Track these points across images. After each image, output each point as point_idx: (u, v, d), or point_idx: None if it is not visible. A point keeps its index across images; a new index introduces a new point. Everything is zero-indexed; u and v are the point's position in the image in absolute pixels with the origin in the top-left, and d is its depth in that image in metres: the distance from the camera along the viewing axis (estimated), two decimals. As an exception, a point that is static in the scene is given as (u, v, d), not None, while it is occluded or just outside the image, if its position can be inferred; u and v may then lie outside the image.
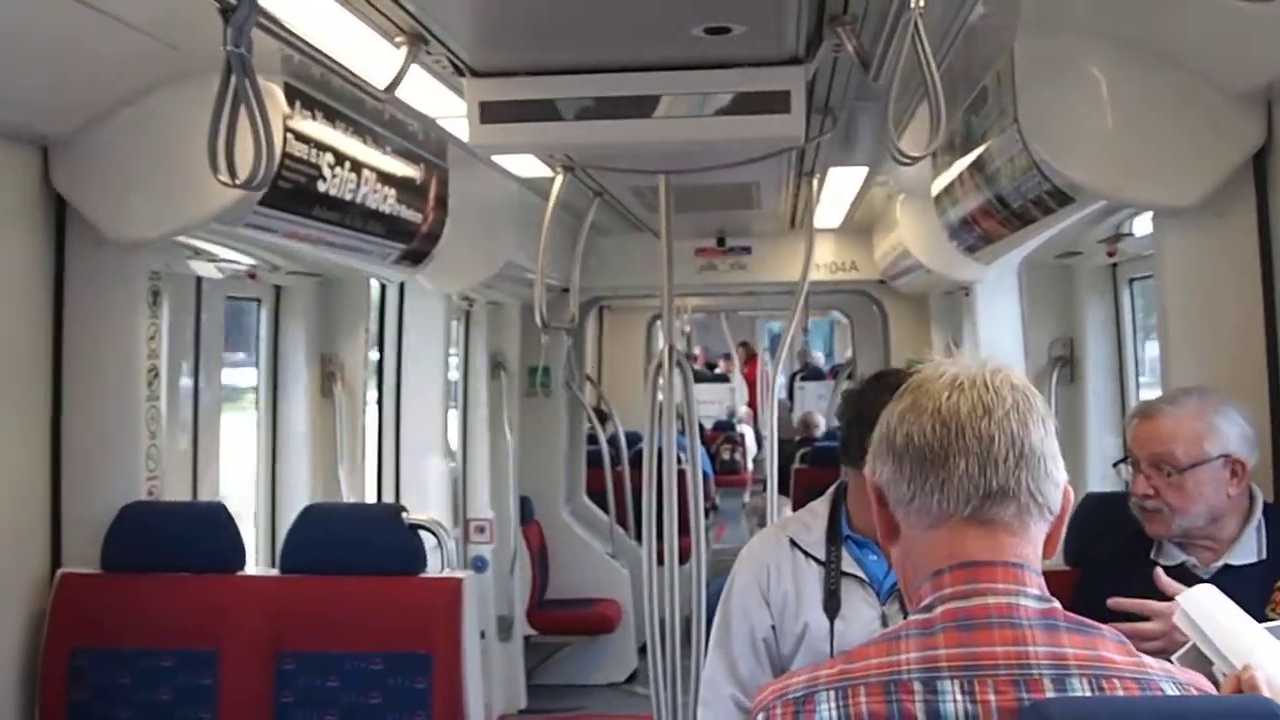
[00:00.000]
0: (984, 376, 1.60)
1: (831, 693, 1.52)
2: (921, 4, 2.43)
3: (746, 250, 7.92)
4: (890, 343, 8.31)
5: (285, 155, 3.45)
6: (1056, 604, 1.55)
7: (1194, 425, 2.76)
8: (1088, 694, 1.48)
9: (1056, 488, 1.58)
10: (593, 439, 8.86)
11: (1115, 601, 2.53)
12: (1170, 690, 1.51)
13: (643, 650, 4.15)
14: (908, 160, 2.66)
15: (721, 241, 7.87)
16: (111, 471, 3.59)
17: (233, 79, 2.29)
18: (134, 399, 3.62)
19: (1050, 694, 1.47)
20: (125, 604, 3.44)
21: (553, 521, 8.34)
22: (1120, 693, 1.48)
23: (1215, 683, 1.98)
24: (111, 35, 2.95)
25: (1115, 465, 2.99)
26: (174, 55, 3.14)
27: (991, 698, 1.47)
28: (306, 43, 2.82)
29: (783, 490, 7.72)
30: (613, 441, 8.38)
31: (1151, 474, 2.77)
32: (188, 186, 3.24)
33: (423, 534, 3.60)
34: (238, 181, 2.32)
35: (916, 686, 1.48)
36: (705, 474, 10.80)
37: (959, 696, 1.47)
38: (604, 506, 8.49)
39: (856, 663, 1.54)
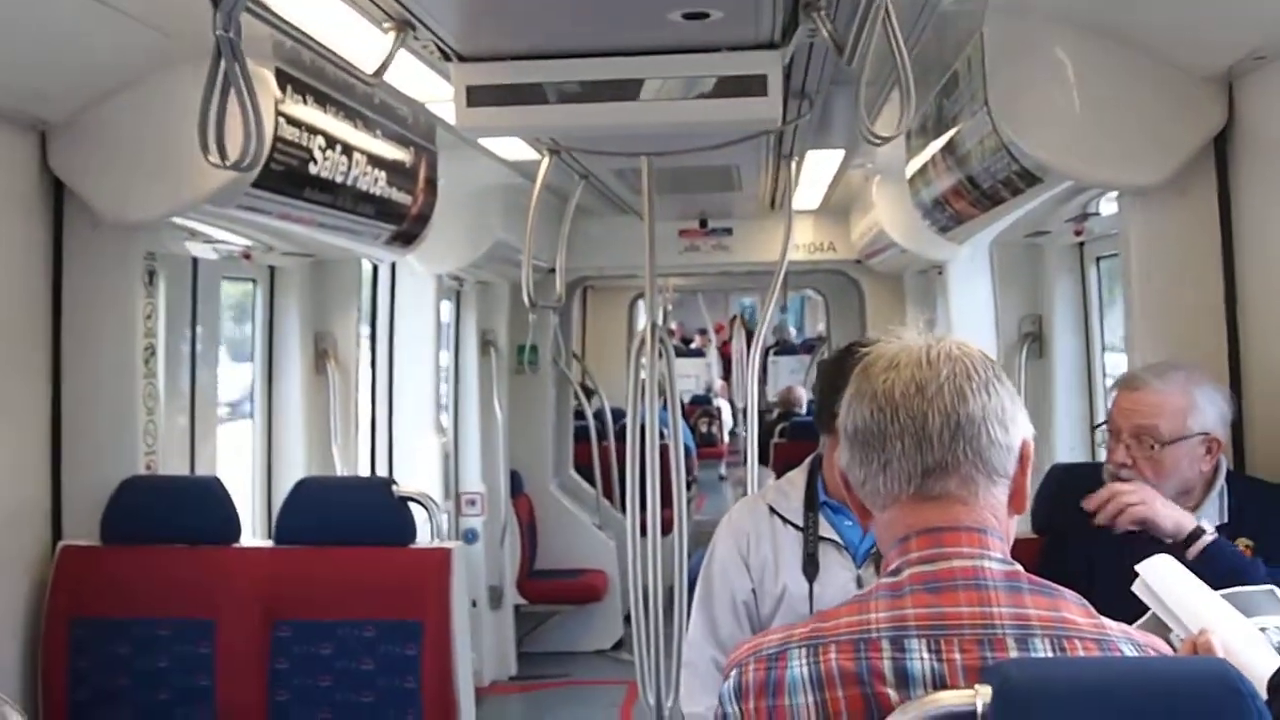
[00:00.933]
0: (921, 353, 1.62)
1: (803, 649, 1.56)
2: (895, -11, 2.52)
3: (728, 232, 8.03)
4: (867, 320, 8.43)
5: (277, 138, 3.52)
6: (1019, 567, 1.60)
7: (1179, 401, 2.83)
8: (1050, 653, 1.51)
9: (1007, 451, 1.60)
10: (579, 414, 8.98)
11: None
12: (1129, 651, 1.54)
13: (628, 618, 4.26)
14: (879, 141, 2.75)
15: (704, 223, 7.98)
16: (110, 447, 3.69)
17: (222, 63, 2.35)
18: (131, 376, 3.71)
19: (1014, 653, 1.50)
20: (124, 575, 3.53)
21: (542, 494, 8.49)
22: (1080, 653, 1.51)
23: (1173, 648, 2.08)
24: (107, 22, 3.02)
25: (1094, 428, 3.05)
26: (168, 41, 3.21)
27: (957, 656, 1.50)
28: (296, 28, 2.88)
29: (763, 462, 7.86)
30: (599, 416, 8.50)
31: (1132, 444, 2.82)
32: (182, 169, 3.32)
33: (413, 506, 3.71)
34: (228, 163, 2.39)
35: (885, 645, 1.52)
36: (688, 447, 10.92)
37: (925, 655, 1.51)
38: (591, 480, 8.63)
39: (828, 622, 1.58)
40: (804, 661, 1.55)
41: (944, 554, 1.58)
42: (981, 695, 1.45)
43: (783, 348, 14.83)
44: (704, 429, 14.16)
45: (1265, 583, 2.55)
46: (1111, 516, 2.70)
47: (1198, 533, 2.66)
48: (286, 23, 2.81)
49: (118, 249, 3.67)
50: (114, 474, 3.63)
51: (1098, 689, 1.45)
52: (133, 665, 3.49)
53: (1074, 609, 1.56)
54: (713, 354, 16.98)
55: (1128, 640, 1.56)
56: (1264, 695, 1.70)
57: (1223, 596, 2.21)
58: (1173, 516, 2.69)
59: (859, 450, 1.64)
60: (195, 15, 2.46)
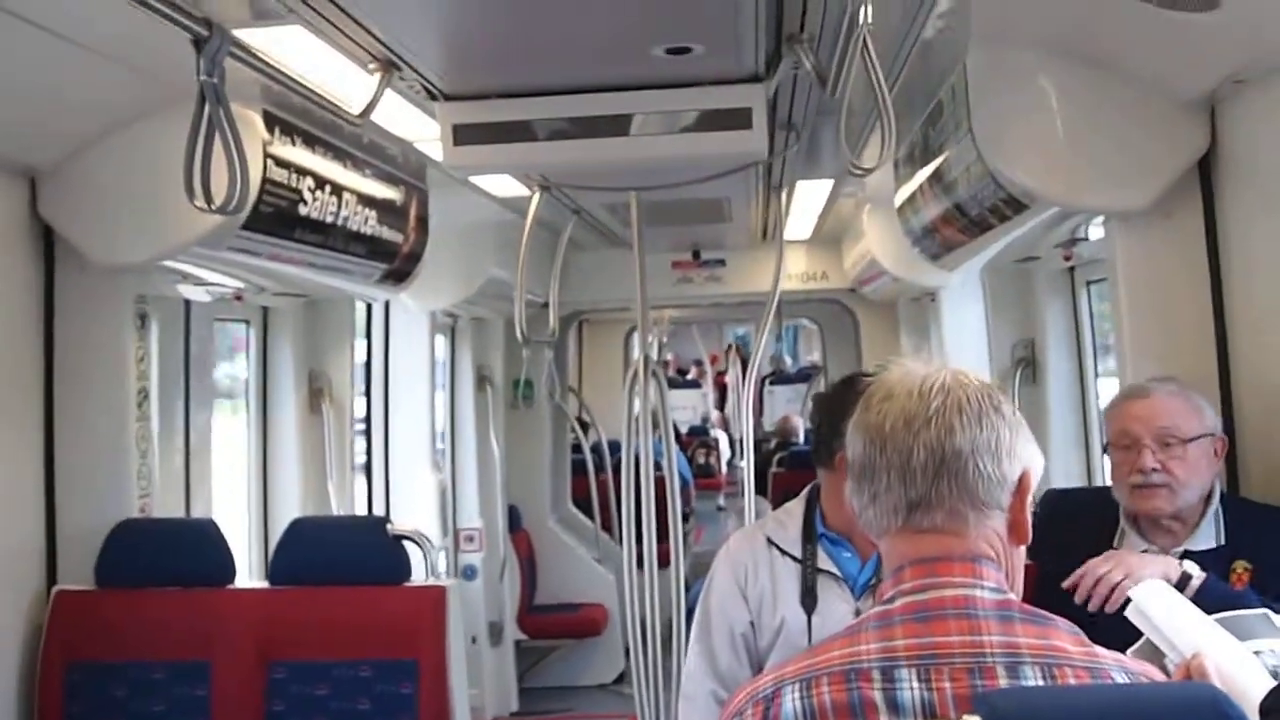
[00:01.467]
0: (915, 384, 1.62)
1: (796, 685, 1.56)
2: (870, 22, 2.53)
3: (721, 263, 8.06)
4: (862, 348, 8.44)
5: (266, 180, 3.55)
6: (1012, 596, 1.60)
7: (1185, 403, 2.87)
8: (1040, 682, 1.50)
9: (1000, 483, 1.59)
10: (577, 448, 8.98)
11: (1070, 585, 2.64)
12: (1121, 679, 1.53)
13: (629, 652, 4.25)
14: (861, 172, 2.77)
15: (697, 255, 8.02)
16: (103, 490, 3.69)
17: (206, 108, 2.37)
18: (124, 419, 3.72)
19: (1003, 682, 1.50)
20: (119, 619, 3.53)
21: (540, 529, 8.49)
22: (1072, 681, 1.51)
23: (1167, 674, 2.07)
24: (94, 69, 3.06)
25: (1105, 450, 3.05)
26: (155, 86, 3.23)
27: (947, 685, 1.50)
28: (280, 71, 2.91)
29: (761, 492, 7.85)
30: (596, 450, 8.48)
31: (1156, 449, 2.82)
32: (171, 212, 3.33)
33: (408, 545, 3.70)
34: (214, 207, 2.41)
35: (876, 675, 1.52)
36: (685, 479, 10.90)
37: (916, 684, 1.51)
38: (589, 513, 8.61)
39: (820, 655, 1.58)
40: (797, 696, 1.55)
41: (936, 583, 1.58)
42: None
43: (778, 377, 14.85)
44: (701, 460, 14.16)
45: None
46: (1103, 599, 2.67)
47: (1186, 578, 2.65)
48: (271, 66, 2.83)
49: (108, 293, 3.69)
50: (108, 517, 3.64)
51: (1085, 717, 1.45)
52: (128, 709, 3.49)
53: (1065, 637, 1.56)
54: (708, 385, 17.00)
55: (1120, 669, 1.55)
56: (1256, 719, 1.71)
57: (1217, 621, 2.21)
58: (1159, 571, 2.67)
59: (855, 480, 1.66)
60: (181, 61, 2.48)
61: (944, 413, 1.59)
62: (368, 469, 6.04)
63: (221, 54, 2.41)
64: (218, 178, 2.49)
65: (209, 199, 2.44)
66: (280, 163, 3.65)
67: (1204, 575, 2.66)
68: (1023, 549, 1.67)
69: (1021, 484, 1.62)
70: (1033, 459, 1.65)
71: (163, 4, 2.25)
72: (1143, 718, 1.46)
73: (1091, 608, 2.64)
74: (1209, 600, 2.57)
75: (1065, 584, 2.70)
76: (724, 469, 14.74)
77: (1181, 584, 2.63)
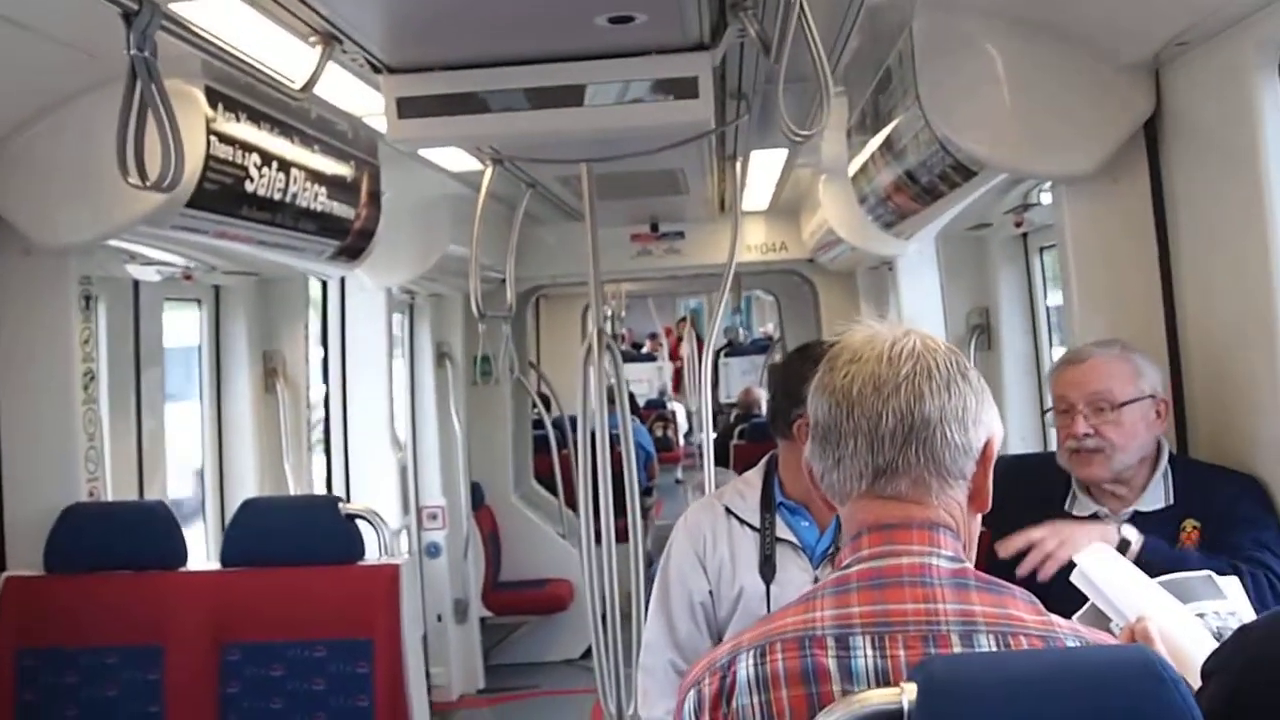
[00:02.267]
0: (885, 348, 1.60)
1: (751, 652, 1.56)
2: (808, -13, 2.52)
3: (680, 235, 8.05)
4: (821, 318, 8.45)
5: (210, 157, 3.50)
6: (969, 564, 1.59)
7: (1124, 366, 2.89)
8: (994, 649, 1.50)
9: (965, 451, 1.59)
10: (539, 424, 8.97)
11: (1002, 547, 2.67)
12: (1074, 646, 1.53)
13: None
14: (800, 138, 2.75)
15: (655, 227, 8.01)
16: (50, 475, 3.64)
17: (139, 84, 2.33)
18: (70, 402, 3.66)
19: (958, 650, 1.50)
20: (70, 604, 3.50)
21: (503, 505, 8.47)
22: (1025, 648, 1.51)
23: (1114, 636, 2.09)
24: (30, 46, 3.00)
25: (1045, 413, 3.07)
26: (93, 63, 3.17)
27: (901, 653, 1.50)
28: (218, 45, 2.86)
29: (723, 464, 7.86)
30: (558, 425, 8.47)
31: (1089, 414, 2.85)
32: (112, 191, 3.24)
33: (363, 524, 3.68)
34: (148, 184, 2.37)
35: (830, 642, 1.52)
36: (648, 453, 10.91)
37: (870, 652, 1.51)
38: (552, 489, 8.60)
39: (775, 622, 1.58)
40: (751, 663, 1.55)
41: (893, 550, 1.58)
42: (907, 693, 1.44)
43: (733, 349, 14.89)
44: (659, 433, 14.18)
45: (1221, 572, 2.58)
46: (1035, 566, 2.69)
47: (1125, 543, 2.68)
48: (207, 40, 2.78)
49: (51, 274, 3.64)
50: (56, 502, 3.60)
51: (1021, 682, 1.45)
52: (81, 695, 3.45)
53: (1021, 606, 1.56)
54: (664, 358, 17.01)
55: (1074, 636, 1.56)
56: (1198, 681, 1.72)
57: (1160, 584, 2.22)
58: (1096, 538, 2.69)
59: (818, 443, 1.63)
60: (120, 36, 2.43)
61: (913, 379, 1.57)
62: (326, 448, 6.01)
63: (152, 28, 2.37)
64: (153, 155, 2.45)
65: (143, 176, 2.39)
66: (224, 139, 3.60)
67: (1142, 539, 2.68)
68: (979, 516, 1.67)
69: (985, 452, 1.62)
70: (995, 426, 1.64)
71: (89, -23, 2.21)
72: (1078, 680, 1.46)
73: (1021, 572, 2.66)
74: (1150, 563, 2.60)
75: (1002, 553, 2.70)
76: (682, 442, 14.77)
77: (1121, 549, 2.66)
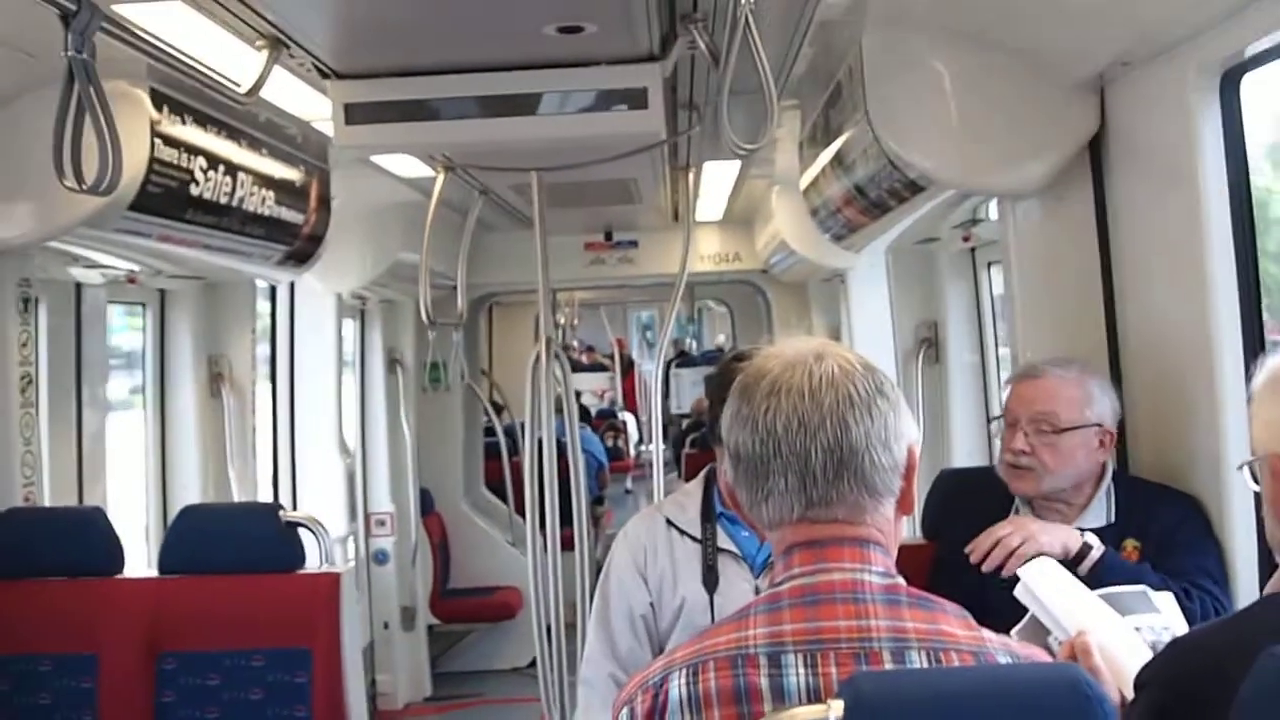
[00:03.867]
0: (803, 379, 1.59)
1: (684, 670, 1.55)
2: (753, 2, 2.53)
3: (633, 244, 8.06)
4: (774, 329, 8.48)
5: (154, 160, 3.46)
6: (900, 580, 1.60)
7: (1076, 391, 2.89)
8: (925, 665, 1.51)
9: (892, 469, 1.60)
10: (490, 431, 8.94)
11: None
12: (1005, 661, 1.55)
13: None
14: (743, 152, 2.76)
15: (609, 235, 8.01)
16: (-15, 479, 3.59)
17: (76, 85, 2.29)
18: (6, 406, 3.61)
19: (889, 666, 1.51)
20: (2, 610, 3.43)
21: (453, 512, 8.43)
22: (956, 664, 1.52)
23: (1052, 652, 2.10)
24: (-33, 46, 2.97)
25: (991, 420, 3.08)
26: (32, 63, 3.13)
27: (833, 670, 1.51)
28: (161, 48, 2.83)
29: (675, 473, 7.86)
30: (509, 433, 8.45)
31: (1030, 432, 2.86)
32: (52, 193, 3.17)
33: (304, 531, 3.65)
34: (84, 188, 2.33)
35: (762, 660, 1.52)
36: (600, 462, 10.90)
37: (802, 670, 1.51)
38: (503, 496, 8.58)
39: (708, 640, 1.58)
40: (683, 682, 1.55)
41: (825, 568, 1.58)
42: (834, 710, 1.43)
43: (685, 360, 14.90)
44: (610, 443, 14.17)
45: (1159, 588, 2.60)
46: (999, 561, 2.71)
47: (1085, 549, 2.70)
48: (149, 43, 2.75)
49: (-12, 276, 3.58)
50: (-10, 507, 3.53)
51: (949, 698, 1.45)
52: (13, 702, 3.38)
53: (953, 621, 1.56)
54: (616, 369, 16.99)
55: (1005, 652, 1.56)
56: (1130, 693, 1.73)
57: (1100, 597, 2.24)
58: (1058, 540, 2.72)
59: (744, 476, 1.63)
60: (59, 37, 2.39)
61: (837, 409, 1.57)
62: (273, 454, 5.96)
63: (91, 29, 2.33)
64: (92, 157, 2.41)
65: (80, 179, 2.36)
66: (169, 141, 3.57)
67: (1104, 548, 2.71)
68: (903, 523, 1.68)
69: (909, 462, 1.63)
70: (913, 432, 1.65)
71: (25, -23, 2.18)
72: (1005, 698, 1.46)
73: (986, 568, 2.68)
74: (1108, 572, 2.63)
75: (974, 558, 2.73)
76: (633, 451, 14.79)
77: (1082, 554, 2.69)
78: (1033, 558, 2.48)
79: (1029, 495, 2.92)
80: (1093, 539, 2.73)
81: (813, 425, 1.56)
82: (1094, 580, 2.64)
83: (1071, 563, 2.70)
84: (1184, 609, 2.54)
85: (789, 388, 1.59)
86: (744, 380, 1.65)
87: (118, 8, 2.67)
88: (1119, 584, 2.53)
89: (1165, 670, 1.71)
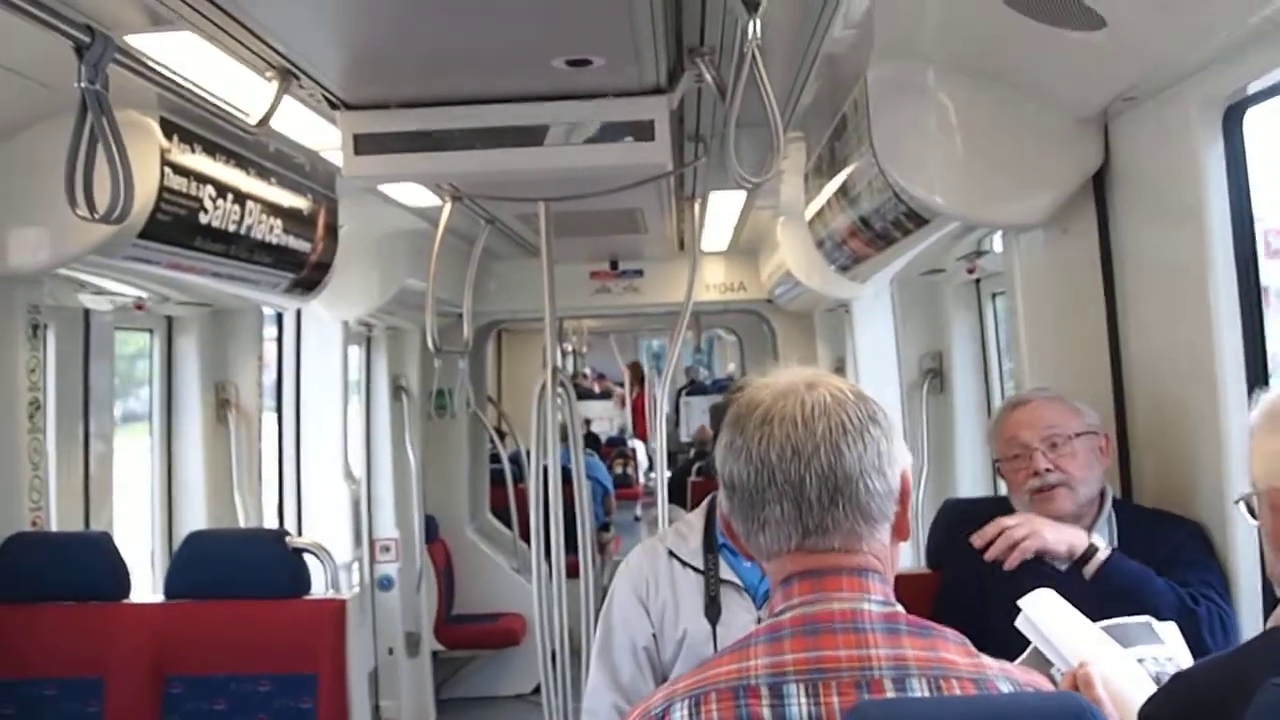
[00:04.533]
0: (795, 408, 1.60)
1: (686, 702, 1.55)
2: (759, 37, 2.55)
3: (639, 273, 8.08)
4: (780, 359, 8.49)
5: (164, 188, 3.49)
6: (899, 608, 1.61)
7: (1066, 405, 2.97)
8: (927, 694, 1.51)
9: (887, 495, 1.61)
10: (495, 458, 8.95)
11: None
12: (1005, 688, 1.54)
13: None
14: (750, 184, 2.78)
15: (615, 264, 8.03)
16: (-8, 504, 3.61)
17: (89, 116, 2.32)
18: (14, 431, 3.63)
19: (891, 695, 1.51)
20: (9, 635, 3.44)
21: (458, 539, 8.43)
22: (957, 692, 1.52)
23: (1054, 683, 2.10)
24: (-18, 75, 3.00)
25: (996, 464, 3.09)
26: (46, 93, 3.16)
27: (835, 700, 1.51)
28: (172, 79, 2.86)
29: (678, 501, 7.85)
30: (514, 460, 8.46)
31: (1046, 450, 2.89)
32: (63, 220, 3.21)
33: (310, 558, 3.66)
34: (96, 216, 2.36)
35: (764, 691, 1.52)
36: (606, 489, 10.90)
37: (804, 700, 1.51)
38: (508, 523, 8.58)
39: (709, 671, 1.58)
40: (685, 714, 1.55)
41: (824, 597, 1.58)
42: None
43: (694, 388, 14.91)
44: (619, 470, 14.17)
45: (1164, 592, 2.62)
46: (1003, 551, 2.73)
47: (1091, 550, 2.71)
48: (161, 74, 2.78)
49: (-1, 301, 3.60)
50: (-3, 531, 3.54)
51: (953, 728, 1.46)
52: (18, 727, 3.40)
53: (953, 649, 1.57)
54: (626, 394, 17.00)
55: (1005, 678, 1.57)
56: (1134, 726, 1.74)
57: (1102, 629, 2.24)
58: (1064, 539, 2.74)
59: (740, 506, 1.64)
60: (72, 68, 2.43)
61: (830, 437, 1.59)
62: (279, 480, 5.96)
63: (105, 61, 2.37)
64: (104, 186, 2.44)
65: (92, 208, 2.38)
66: (179, 170, 3.59)
67: (1110, 550, 2.72)
68: (900, 549, 1.69)
69: (903, 487, 1.64)
70: (905, 457, 1.66)
71: (40, 10, 2.20)
72: (1008, 728, 1.47)
73: (989, 557, 2.71)
74: (1115, 573, 2.65)
75: (977, 543, 2.78)
76: (641, 479, 14.79)
77: (1087, 556, 2.70)
78: (1036, 589, 2.48)
79: (1066, 513, 2.90)
80: (1099, 540, 2.75)
81: (806, 453, 1.58)
82: (1103, 584, 2.66)
83: (1078, 563, 2.72)
84: (1190, 614, 2.57)
85: (781, 417, 1.60)
86: (736, 411, 1.66)
87: (130, 39, 2.70)
88: (1127, 583, 2.55)
89: (1169, 705, 1.72)
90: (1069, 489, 2.89)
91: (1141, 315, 3.21)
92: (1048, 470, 2.89)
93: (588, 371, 16.46)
